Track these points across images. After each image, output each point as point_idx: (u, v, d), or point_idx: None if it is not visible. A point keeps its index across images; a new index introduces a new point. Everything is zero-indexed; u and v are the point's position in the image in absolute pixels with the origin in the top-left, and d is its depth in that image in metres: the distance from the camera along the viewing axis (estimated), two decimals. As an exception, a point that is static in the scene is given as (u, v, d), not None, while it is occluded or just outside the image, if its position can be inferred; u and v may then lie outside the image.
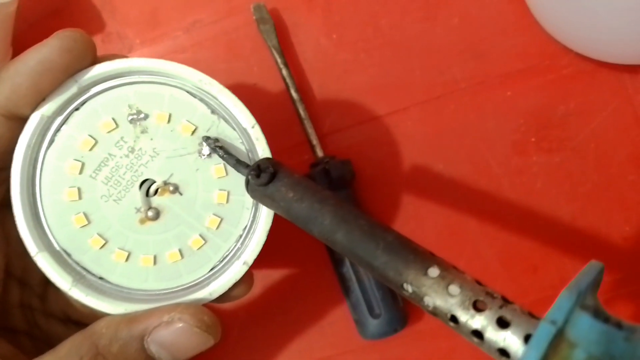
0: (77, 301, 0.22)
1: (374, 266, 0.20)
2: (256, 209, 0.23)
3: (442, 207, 0.33)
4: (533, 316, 0.18)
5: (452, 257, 0.33)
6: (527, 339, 0.17)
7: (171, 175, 0.23)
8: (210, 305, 0.23)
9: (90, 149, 0.22)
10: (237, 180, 0.23)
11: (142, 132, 0.22)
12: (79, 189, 0.22)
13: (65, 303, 0.24)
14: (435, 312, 0.19)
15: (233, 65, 0.35)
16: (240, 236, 0.23)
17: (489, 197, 0.33)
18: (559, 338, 0.16)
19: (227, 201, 0.23)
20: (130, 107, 0.22)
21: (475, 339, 0.18)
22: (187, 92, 0.22)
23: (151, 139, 0.22)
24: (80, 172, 0.22)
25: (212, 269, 0.23)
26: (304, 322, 0.34)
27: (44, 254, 0.22)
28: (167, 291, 0.23)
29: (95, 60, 0.22)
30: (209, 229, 0.23)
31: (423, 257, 0.20)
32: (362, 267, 0.22)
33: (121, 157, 0.22)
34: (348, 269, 0.31)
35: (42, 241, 0.22)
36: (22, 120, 0.21)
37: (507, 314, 0.18)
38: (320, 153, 0.32)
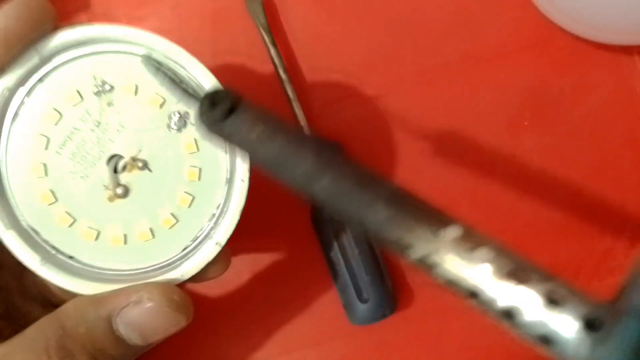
0: (48, 281, 0.21)
1: (369, 224, 0.15)
2: (230, 187, 0.22)
3: (433, 189, 0.32)
4: (591, 295, 0.13)
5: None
6: (589, 325, 0.13)
7: (140, 150, 0.22)
8: (188, 287, 0.23)
9: (56, 123, 0.21)
10: (210, 155, 0.22)
11: (108, 104, 0.21)
12: (44, 165, 0.21)
13: (43, 285, 0.24)
14: (450, 285, 0.15)
15: (220, 44, 0.34)
16: (214, 215, 0.22)
17: (481, 178, 0.32)
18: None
19: (199, 178, 0.22)
20: (95, 78, 0.21)
21: (505, 321, 0.14)
22: (152, 62, 0.21)
23: (118, 112, 0.21)
24: (46, 148, 0.21)
25: (184, 249, 0.22)
26: (292, 308, 0.33)
27: (11, 232, 0.21)
28: (138, 271, 0.22)
29: (57, 28, 0.21)
30: (181, 208, 0.22)
31: (438, 214, 0.15)
32: (352, 226, 0.17)
33: (87, 132, 0.21)
34: (336, 253, 0.30)
35: (8, 219, 0.21)
36: None
37: (556, 291, 0.13)
38: (307, 131, 0.32)
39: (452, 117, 0.33)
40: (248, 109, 0.17)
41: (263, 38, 0.32)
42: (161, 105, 0.21)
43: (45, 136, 0.21)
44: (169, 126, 0.22)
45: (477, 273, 0.14)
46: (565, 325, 0.13)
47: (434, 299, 0.32)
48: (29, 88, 0.21)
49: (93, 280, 0.21)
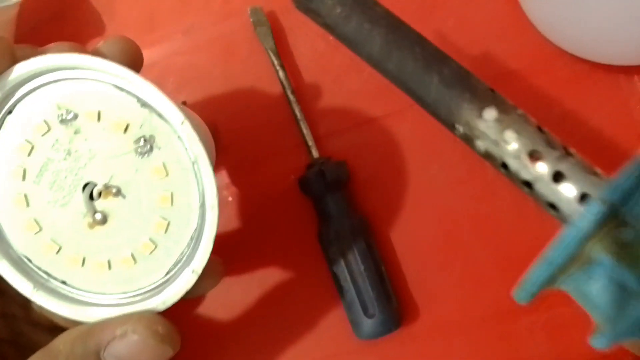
0: (40, 306, 0.22)
1: (426, 102, 0.18)
2: (203, 212, 0.21)
3: (436, 208, 0.33)
4: (595, 173, 0.17)
5: (447, 259, 0.33)
6: (582, 197, 0.16)
7: (112, 177, 0.21)
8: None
9: (29, 154, 0.21)
10: (180, 180, 0.21)
11: (75, 132, 0.21)
12: (25, 196, 0.22)
13: (49, 311, 0.24)
14: (486, 156, 0.18)
15: (230, 68, 0.36)
16: (192, 238, 0.22)
17: (483, 199, 0.33)
18: (612, 214, 0.15)
19: (172, 203, 0.21)
20: (58, 107, 0.21)
21: (526, 189, 0.17)
22: (114, 86, 0.21)
23: (85, 140, 0.21)
24: (24, 179, 0.21)
25: (167, 273, 0.22)
26: (300, 323, 0.34)
27: (3, 261, 0.22)
28: (125, 295, 0.22)
29: (15, 60, 0.21)
30: (158, 233, 0.22)
31: (481, 96, 0.18)
32: (416, 101, 0.19)
33: (60, 161, 0.21)
34: (342, 270, 0.31)
35: (0, 249, 0.22)
36: None
37: (564, 168, 0.16)
38: (316, 154, 0.33)
39: (454, 139, 0.33)
40: None
41: (272, 62, 0.34)
42: (125, 130, 0.21)
43: (22, 167, 0.21)
44: (136, 151, 0.21)
45: (504, 151, 0.17)
46: (564, 197, 0.16)
47: (439, 315, 0.33)
48: (0, 120, 0.21)
49: (85, 305, 0.22)
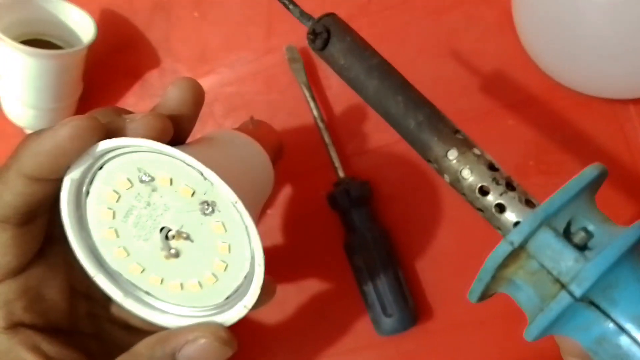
0: (130, 312, 0.28)
1: (407, 139, 0.24)
2: (252, 262, 0.26)
3: (450, 220, 0.38)
4: (530, 203, 0.22)
5: (459, 265, 0.37)
6: (516, 224, 0.21)
7: (182, 225, 0.26)
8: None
9: (117, 201, 0.26)
10: (236, 236, 0.26)
11: (153, 190, 0.26)
12: (115, 230, 0.27)
13: (126, 314, 0.30)
14: (452, 187, 0.23)
15: (270, 98, 0.41)
16: (245, 278, 0.27)
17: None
18: (520, 249, 0.20)
19: (229, 251, 0.26)
20: (139, 170, 0.26)
21: (480, 214, 0.23)
22: (184, 162, 0.25)
23: (161, 197, 0.26)
24: (114, 218, 0.27)
25: (227, 298, 0.27)
26: (328, 321, 0.39)
27: (99, 275, 0.28)
28: (194, 310, 0.28)
29: (106, 133, 0.25)
30: (218, 270, 0.27)
31: (445, 140, 0.23)
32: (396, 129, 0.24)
33: (141, 209, 0.26)
34: (365, 275, 0.36)
35: (96, 266, 0.28)
36: (45, 181, 0.26)
37: (505, 200, 0.21)
38: (342, 174, 0.38)
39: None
40: (339, 41, 0.25)
41: (304, 93, 0.39)
42: (192, 194, 0.26)
43: (112, 210, 0.27)
44: (201, 210, 0.26)
45: (462, 185, 0.22)
46: (505, 223, 0.22)
47: (451, 315, 0.37)
48: (93, 173, 0.26)
49: (163, 313, 0.28)
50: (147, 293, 0.28)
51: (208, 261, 0.27)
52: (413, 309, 0.36)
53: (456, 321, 0.37)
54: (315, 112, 0.38)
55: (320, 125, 0.38)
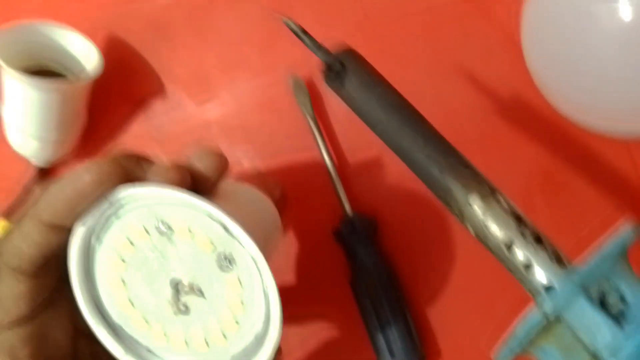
0: None
1: (428, 185, 0.23)
2: (267, 323, 0.25)
3: (457, 260, 0.37)
4: (561, 261, 0.20)
5: (466, 306, 0.36)
6: (548, 288, 0.20)
7: (195, 278, 0.26)
8: None
9: (130, 251, 0.26)
10: (252, 292, 0.25)
11: (169, 241, 0.26)
12: (123, 280, 0.26)
13: None
14: (476, 237, 0.22)
15: (274, 130, 0.40)
16: (256, 337, 0.26)
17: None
18: (550, 321, 0.19)
19: (243, 310, 0.26)
20: (156, 219, 0.25)
21: (506, 268, 0.22)
22: (206, 213, 0.25)
23: (176, 248, 0.25)
24: (125, 269, 0.26)
25: (232, 357, 0.26)
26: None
27: (100, 328, 0.27)
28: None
29: (125, 177, 0.25)
30: (229, 329, 0.26)
31: (469, 188, 0.21)
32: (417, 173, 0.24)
33: (153, 259, 0.26)
34: (372, 316, 0.35)
35: (99, 317, 0.27)
36: (60, 229, 0.25)
37: (534, 259, 0.20)
38: (349, 210, 0.37)
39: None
40: (354, 77, 0.24)
41: (309, 124, 0.38)
42: (210, 246, 0.25)
43: (122, 258, 0.26)
44: (217, 264, 0.25)
45: (488, 239, 0.21)
46: (535, 282, 0.20)
47: (458, 356, 0.36)
48: (108, 222, 0.26)
49: None
50: (149, 350, 0.27)
51: (219, 319, 0.26)
52: (420, 350, 0.35)
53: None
54: (321, 147, 0.37)
55: (327, 160, 0.37)
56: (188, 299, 0.26)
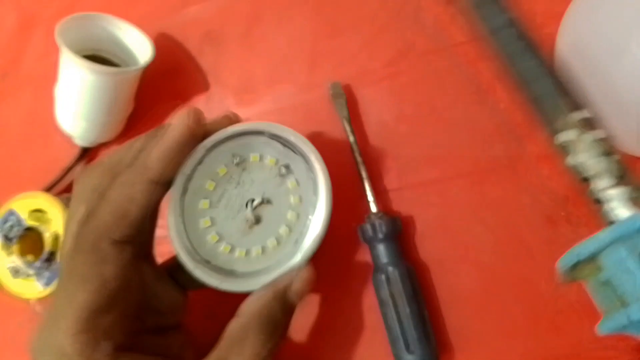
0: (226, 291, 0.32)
1: (533, 104, 0.26)
2: (317, 205, 0.34)
3: (477, 264, 0.38)
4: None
5: (483, 309, 0.38)
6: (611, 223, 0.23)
7: (264, 192, 0.33)
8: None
9: (213, 189, 0.32)
10: (306, 186, 0.34)
11: (244, 169, 0.32)
12: (211, 218, 0.32)
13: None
14: (566, 164, 0.25)
15: (310, 130, 0.42)
16: (310, 218, 0.34)
17: (520, 259, 0.38)
18: (592, 259, 0.22)
19: (300, 202, 0.34)
20: (234, 155, 0.32)
21: (594, 204, 0.25)
22: (268, 137, 0.32)
23: (249, 173, 0.32)
24: (210, 207, 0.32)
25: (296, 242, 0.34)
26: (350, 353, 0.39)
27: (197, 268, 0.31)
28: (253, 271, 0.33)
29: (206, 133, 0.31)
30: (292, 221, 0.33)
31: (566, 117, 0.26)
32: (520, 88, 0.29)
33: (232, 189, 0.32)
34: (391, 310, 0.36)
35: (194, 258, 0.32)
36: (160, 184, 0.29)
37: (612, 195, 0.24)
38: (374, 209, 0.38)
39: (498, 206, 0.39)
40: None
41: (345, 128, 0.40)
42: (275, 163, 0.33)
43: (209, 199, 0.32)
44: (279, 174, 0.33)
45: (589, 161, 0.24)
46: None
47: (472, 356, 0.37)
48: (193, 170, 0.31)
49: (252, 279, 0.33)
50: (233, 272, 0.33)
51: (284, 216, 0.33)
52: (435, 347, 0.36)
53: (477, 365, 0.37)
54: (354, 147, 0.40)
55: (358, 159, 0.39)
56: (260, 210, 0.33)
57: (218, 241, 0.32)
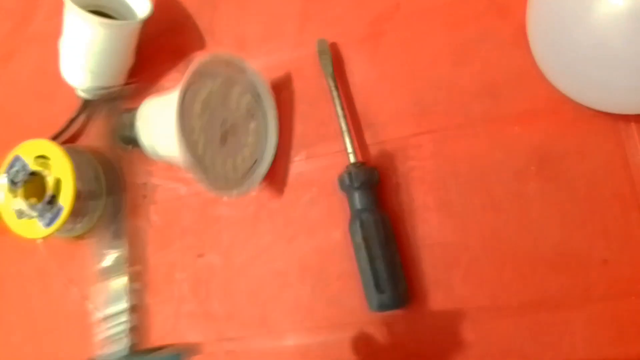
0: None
1: None
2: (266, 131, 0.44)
3: (448, 217, 0.40)
4: None
5: (453, 258, 0.40)
6: None
7: (234, 120, 0.43)
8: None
9: (199, 114, 0.40)
10: (262, 124, 0.44)
11: (227, 92, 0.42)
12: (199, 126, 0.40)
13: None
14: None
15: (297, 85, 0.45)
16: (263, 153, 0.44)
17: (488, 212, 0.40)
18: None
19: (257, 138, 0.44)
20: (223, 77, 0.42)
21: None
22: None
23: (230, 97, 0.42)
24: (204, 112, 0.41)
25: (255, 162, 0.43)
26: (326, 295, 0.42)
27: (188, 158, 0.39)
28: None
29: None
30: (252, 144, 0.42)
31: None
32: None
33: (217, 104, 0.42)
34: (364, 253, 0.39)
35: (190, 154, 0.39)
36: None
37: None
38: (353, 159, 0.41)
39: (472, 160, 0.41)
40: None
41: (328, 83, 0.42)
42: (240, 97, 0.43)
43: (203, 106, 0.40)
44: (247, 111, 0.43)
45: None
46: None
47: (442, 303, 0.40)
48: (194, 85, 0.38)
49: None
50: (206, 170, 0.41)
51: (244, 145, 0.43)
52: (405, 289, 0.39)
53: (446, 310, 0.40)
54: (336, 101, 0.42)
55: (339, 112, 0.42)
56: (228, 135, 0.41)
57: (197, 144, 0.40)
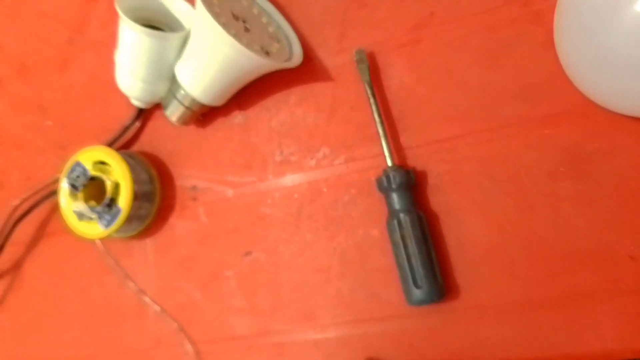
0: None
1: None
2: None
3: (484, 216, 0.42)
4: None
5: (486, 255, 0.42)
6: None
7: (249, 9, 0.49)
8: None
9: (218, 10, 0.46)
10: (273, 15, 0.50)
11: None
12: (223, 24, 0.43)
13: None
14: None
15: (336, 92, 0.47)
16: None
17: (522, 211, 0.42)
18: None
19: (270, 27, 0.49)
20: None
21: None
22: None
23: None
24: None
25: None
26: (365, 290, 0.44)
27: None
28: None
29: None
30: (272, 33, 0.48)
31: None
32: None
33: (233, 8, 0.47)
34: (401, 251, 0.41)
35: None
36: None
37: None
38: (390, 162, 0.43)
39: (505, 161, 0.42)
40: None
41: (366, 90, 0.45)
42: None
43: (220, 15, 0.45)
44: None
45: None
46: None
47: (476, 297, 0.42)
48: None
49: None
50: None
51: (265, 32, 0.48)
52: (441, 284, 0.41)
53: (480, 304, 0.42)
54: (373, 107, 0.44)
55: (377, 118, 0.44)
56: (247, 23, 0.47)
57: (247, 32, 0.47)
